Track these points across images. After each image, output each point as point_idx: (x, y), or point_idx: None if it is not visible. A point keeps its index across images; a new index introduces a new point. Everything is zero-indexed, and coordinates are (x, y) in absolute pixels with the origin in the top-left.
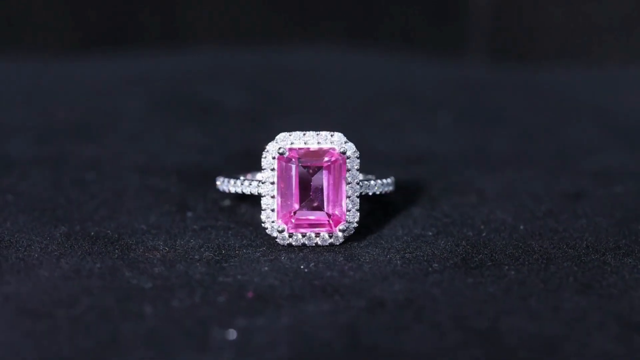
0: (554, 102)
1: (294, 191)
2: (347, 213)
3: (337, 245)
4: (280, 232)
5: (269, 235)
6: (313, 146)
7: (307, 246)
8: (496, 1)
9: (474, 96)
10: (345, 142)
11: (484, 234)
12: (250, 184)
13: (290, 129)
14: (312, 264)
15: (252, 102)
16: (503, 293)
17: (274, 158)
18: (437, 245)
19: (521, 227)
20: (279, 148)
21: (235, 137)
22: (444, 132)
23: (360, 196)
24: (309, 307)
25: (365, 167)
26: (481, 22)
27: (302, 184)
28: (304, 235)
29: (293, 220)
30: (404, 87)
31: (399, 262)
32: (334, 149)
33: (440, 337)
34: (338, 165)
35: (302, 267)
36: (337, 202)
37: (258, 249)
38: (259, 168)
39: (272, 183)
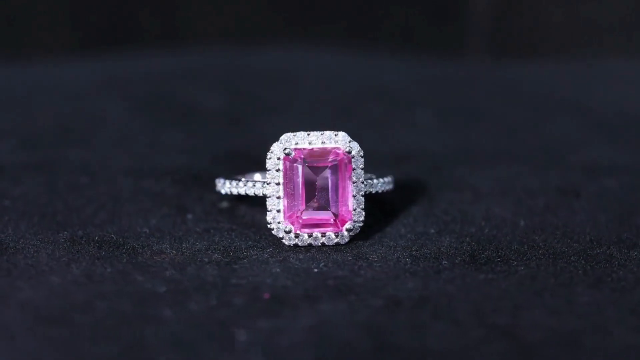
0: (534, 98)
1: (300, 191)
2: (353, 212)
3: (342, 244)
4: (288, 232)
5: (275, 236)
6: (317, 146)
7: (313, 246)
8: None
9: (455, 93)
10: (350, 141)
11: (486, 231)
12: (254, 185)
13: (272, 129)
14: (322, 263)
15: (232, 103)
16: (517, 289)
17: (279, 159)
18: (442, 243)
19: (522, 223)
20: (285, 149)
21: (220, 139)
22: (428, 130)
23: (364, 195)
24: (327, 307)
25: None
26: (466, 18)
27: (307, 184)
28: (310, 236)
29: (300, 221)
30: (383, 85)
31: (407, 260)
32: (338, 148)
33: (463, 334)
34: (344, 165)
35: (312, 267)
36: (343, 201)
37: (265, 250)
38: (250, 169)
39: (278, 184)
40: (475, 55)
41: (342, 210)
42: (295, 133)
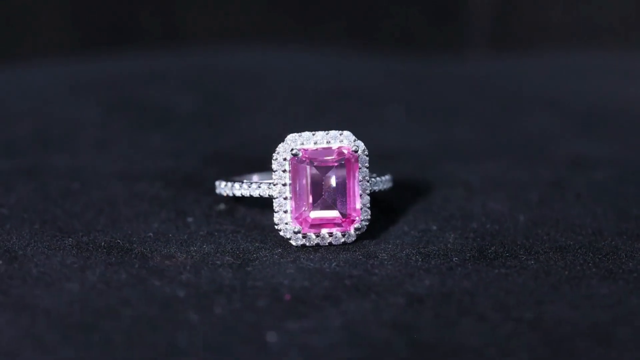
0: (510, 94)
1: (306, 192)
2: (360, 211)
3: (349, 243)
4: (296, 233)
5: (281, 237)
6: (323, 145)
7: (320, 246)
8: None
9: (428, 90)
10: (355, 140)
11: (488, 226)
12: (259, 187)
13: (251, 130)
14: (334, 263)
15: (205, 104)
16: (534, 283)
17: (285, 159)
18: (447, 239)
19: (521, 217)
20: (292, 149)
21: (202, 140)
22: (407, 128)
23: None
24: (351, 307)
25: None
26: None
27: (314, 184)
28: (317, 235)
29: (308, 221)
30: (356, 84)
31: (417, 257)
32: (344, 147)
33: (492, 330)
34: (351, 164)
35: (325, 267)
36: (350, 200)
37: (274, 252)
38: (239, 169)
39: (284, 185)
40: (455, 52)
41: (350, 209)
42: (300, 133)
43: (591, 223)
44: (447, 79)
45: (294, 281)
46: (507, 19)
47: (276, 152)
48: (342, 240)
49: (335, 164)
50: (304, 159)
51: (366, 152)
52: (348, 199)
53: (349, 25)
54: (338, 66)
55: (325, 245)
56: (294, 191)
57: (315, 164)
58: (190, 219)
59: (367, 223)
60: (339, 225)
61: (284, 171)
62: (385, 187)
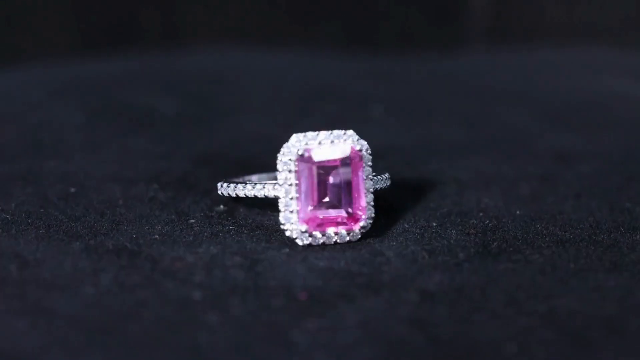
0: (483, 89)
1: (312, 191)
2: (365, 209)
3: (354, 241)
4: (303, 232)
5: (287, 237)
6: (327, 145)
7: (326, 245)
8: None
9: (404, 88)
10: (358, 139)
11: (486, 221)
12: (264, 187)
13: (234, 131)
14: (343, 262)
15: (187, 106)
16: (542, 277)
17: (290, 160)
18: (449, 235)
19: (517, 212)
20: (298, 149)
21: (188, 142)
22: (388, 126)
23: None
24: (366, 304)
25: None
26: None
27: (320, 183)
28: (323, 235)
29: (314, 220)
30: (333, 83)
31: (424, 254)
32: (349, 147)
33: (507, 324)
34: (356, 163)
35: (334, 265)
36: (356, 199)
37: (281, 251)
38: (232, 170)
39: (290, 185)
40: (420, 48)
41: (356, 208)
42: (304, 133)
43: (587, 216)
44: (426, 77)
45: (306, 280)
46: (491, 13)
47: (281, 152)
48: (348, 238)
49: (340, 163)
50: (308, 158)
51: (369, 151)
52: (354, 197)
53: (332, 25)
54: (319, 65)
55: (331, 244)
56: (300, 191)
57: (320, 163)
58: (192, 221)
59: (372, 221)
60: (344, 223)
61: (290, 171)
62: (385, 185)
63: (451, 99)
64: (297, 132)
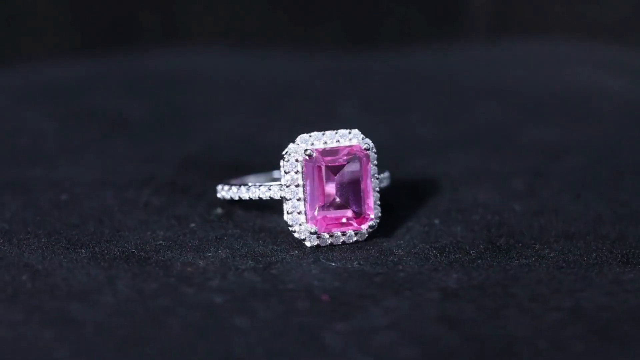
0: (459, 84)
1: (320, 192)
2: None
3: (361, 241)
4: (312, 234)
5: (293, 238)
6: (333, 145)
7: (334, 245)
8: None
9: (375, 85)
10: (364, 138)
11: (488, 217)
12: (270, 189)
13: (210, 133)
14: (355, 262)
15: (156, 109)
16: (559, 272)
17: (297, 161)
18: (455, 233)
19: (516, 207)
20: (306, 150)
21: (165, 146)
22: (364, 123)
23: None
24: (391, 304)
25: None
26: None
27: (327, 183)
28: (331, 235)
29: (323, 221)
30: (304, 81)
31: (435, 252)
32: (355, 146)
33: (536, 320)
34: (364, 162)
35: (348, 266)
36: (365, 198)
37: (290, 253)
38: (218, 173)
39: (298, 186)
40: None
41: (364, 207)
42: (310, 134)
43: (587, 210)
44: (400, 73)
45: (324, 282)
46: (467, 8)
47: (287, 153)
48: (355, 238)
49: (347, 163)
50: (315, 158)
51: (374, 150)
52: (362, 197)
53: (305, 23)
54: (288, 64)
55: (339, 244)
56: (307, 192)
57: (327, 163)
58: (193, 225)
59: (378, 221)
60: (352, 224)
61: (297, 172)
62: (387, 184)
63: (426, 95)
64: (272, 132)
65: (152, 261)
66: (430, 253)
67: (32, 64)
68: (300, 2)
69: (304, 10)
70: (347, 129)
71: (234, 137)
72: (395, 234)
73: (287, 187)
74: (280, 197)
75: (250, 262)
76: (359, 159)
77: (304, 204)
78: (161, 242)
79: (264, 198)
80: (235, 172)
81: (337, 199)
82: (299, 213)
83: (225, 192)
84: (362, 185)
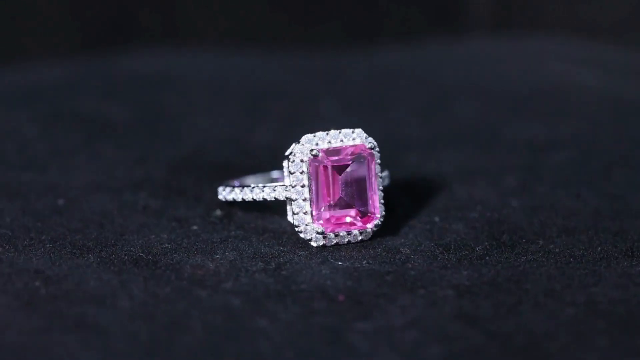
0: (434, 82)
1: (326, 191)
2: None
3: (366, 240)
4: (318, 234)
5: (298, 238)
6: (337, 144)
7: (339, 245)
8: None
9: (357, 84)
10: (367, 137)
11: (487, 214)
12: (275, 190)
13: (196, 134)
14: (364, 261)
15: (137, 111)
16: (567, 266)
17: (302, 161)
18: (457, 230)
19: (513, 203)
20: (312, 150)
21: (154, 148)
22: (346, 123)
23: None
24: (407, 302)
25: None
26: None
27: (333, 183)
28: (336, 235)
29: (330, 221)
30: (285, 81)
31: (440, 249)
32: (359, 145)
33: (554, 315)
34: (369, 161)
35: (357, 265)
36: (370, 197)
37: (297, 254)
38: (210, 176)
39: (303, 186)
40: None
41: (370, 206)
42: (314, 134)
43: (583, 205)
44: (378, 71)
45: (336, 281)
46: (446, 4)
47: (292, 153)
48: (360, 237)
49: (351, 162)
50: (321, 158)
51: (377, 149)
52: (368, 196)
53: (280, 23)
54: (268, 64)
55: (344, 244)
56: (313, 192)
57: (332, 163)
58: (195, 227)
59: (382, 219)
60: (357, 223)
61: (302, 172)
62: (387, 182)
63: (407, 93)
64: (259, 132)
65: (161, 264)
66: (436, 251)
67: (11, 68)
68: (280, 1)
69: (284, 10)
70: (338, 128)
71: (221, 138)
72: (397, 232)
73: (292, 187)
74: (286, 197)
75: (260, 263)
76: (364, 158)
77: (310, 204)
78: (167, 245)
79: (268, 199)
80: (228, 173)
81: (343, 199)
82: (304, 213)
83: (227, 193)
84: (367, 184)
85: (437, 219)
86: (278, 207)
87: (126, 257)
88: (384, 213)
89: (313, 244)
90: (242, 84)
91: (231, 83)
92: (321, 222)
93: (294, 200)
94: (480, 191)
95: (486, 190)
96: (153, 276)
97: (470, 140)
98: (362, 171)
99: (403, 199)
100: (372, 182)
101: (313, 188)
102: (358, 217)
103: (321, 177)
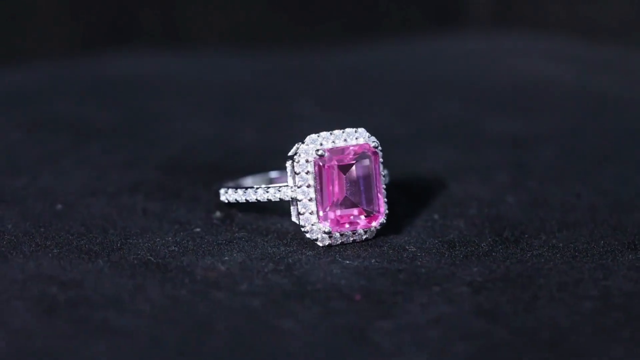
0: (411, 79)
1: (331, 191)
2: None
3: (370, 239)
4: (325, 233)
5: (304, 238)
6: (341, 144)
7: (345, 244)
8: None
9: (336, 82)
10: (369, 136)
11: (485, 210)
12: (280, 190)
13: (182, 136)
14: (373, 260)
15: (119, 114)
16: (576, 261)
17: (307, 161)
18: (458, 227)
19: (509, 199)
20: (317, 150)
21: (142, 151)
22: (325, 120)
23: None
24: (425, 300)
25: (283, 165)
26: None
27: (338, 182)
28: (342, 234)
29: (335, 220)
30: (261, 81)
31: (446, 246)
32: (363, 145)
33: (573, 309)
34: (373, 159)
35: (366, 264)
36: (373, 196)
37: (305, 254)
38: (204, 177)
39: (309, 186)
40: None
41: (375, 205)
42: (318, 134)
43: (578, 200)
44: (356, 70)
45: (350, 280)
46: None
47: (297, 154)
48: (365, 236)
49: (355, 161)
50: (325, 158)
51: (380, 148)
52: (373, 194)
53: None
54: (242, 64)
55: (349, 243)
56: (319, 192)
57: (337, 162)
58: (197, 229)
59: (386, 218)
60: (362, 222)
61: (308, 172)
62: (387, 181)
63: (385, 91)
64: (242, 133)
65: (172, 267)
66: (442, 248)
67: None
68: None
69: (258, 10)
70: (319, 127)
71: (206, 140)
72: (399, 230)
73: (298, 188)
74: (291, 198)
75: (270, 264)
76: (368, 157)
77: (316, 204)
78: (173, 248)
79: (273, 200)
80: (220, 174)
81: (348, 198)
82: (310, 213)
83: (229, 195)
84: (372, 183)
85: (436, 216)
86: (277, 208)
87: (136, 261)
88: (387, 211)
89: (319, 243)
90: (221, 85)
91: (211, 84)
92: (327, 222)
93: (299, 201)
94: (473, 188)
95: (479, 187)
96: (166, 279)
97: (452, 137)
98: (366, 170)
99: (398, 196)
100: (376, 181)
101: (319, 188)
102: (363, 216)
103: (326, 177)
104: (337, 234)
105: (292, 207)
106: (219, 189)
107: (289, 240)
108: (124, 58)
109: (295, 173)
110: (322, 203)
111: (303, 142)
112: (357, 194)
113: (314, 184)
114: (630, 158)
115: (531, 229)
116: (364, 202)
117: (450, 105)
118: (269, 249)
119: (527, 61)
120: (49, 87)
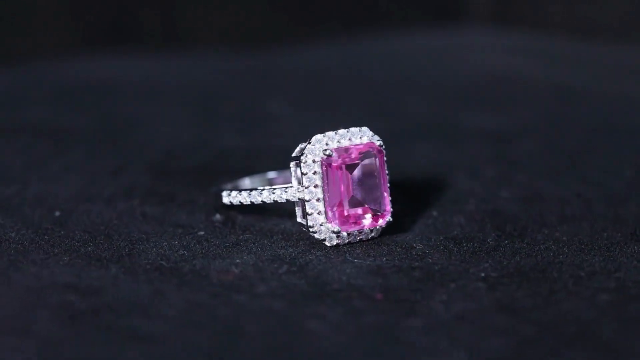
0: (382, 77)
1: (338, 190)
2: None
3: (376, 237)
4: (333, 233)
5: (311, 238)
6: (346, 143)
7: (352, 243)
8: None
9: (304, 81)
10: (373, 136)
11: (483, 206)
12: (286, 191)
13: (164, 139)
14: (384, 258)
15: (96, 120)
16: (584, 254)
17: (314, 161)
18: (459, 223)
19: (504, 195)
20: (324, 150)
21: (128, 155)
22: (298, 121)
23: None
24: (444, 297)
25: (269, 165)
26: None
27: (344, 182)
28: (349, 234)
29: (344, 220)
30: (232, 83)
31: (452, 242)
32: (367, 143)
33: (591, 302)
34: (378, 158)
35: (378, 263)
36: (379, 194)
37: (314, 254)
38: (195, 180)
39: (316, 186)
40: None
41: (381, 204)
42: (324, 134)
43: (572, 193)
44: (325, 69)
45: (366, 280)
46: None
47: (303, 154)
48: (371, 235)
49: (361, 161)
50: (332, 158)
51: (383, 147)
52: (379, 193)
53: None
54: (214, 65)
55: (356, 242)
56: (326, 192)
57: (343, 162)
58: (201, 233)
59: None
60: (369, 220)
61: (315, 173)
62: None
63: (356, 89)
64: (223, 134)
65: (186, 271)
66: (449, 244)
67: None
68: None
69: (227, 10)
70: (292, 126)
71: (188, 143)
72: (403, 227)
73: (305, 188)
74: (298, 198)
75: (284, 265)
76: (374, 156)
77: (324, 204)
78: (182, 252)
79: (280, 201)
80: (210, 177)
81: (355, 197)
82: (318, 213)
83: (232, 197)
84: (378, 182)
85: (435, 213)
86: (276, 209)
87: (148, 266)
88: (391, 210)
89: (327, 243)
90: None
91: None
92: (336, 221)
93: (307, 201)
94: (464, 183)
95: (471, 183)
96: (184, 283)
97: (432, 133)
98: (371, 169)
99: (395, 194)
100: (382, 179)
101: (326, 188)
102: (370, 215)
103: (332, 177)
104: (345, 234)
105: (297, 208)
106: (219, 191)
107: (294, 241)
108: (92, 62)
109: (302, 174)
110: (329, 203)
111: (309, 143)
112: (364, 193)
113: (321, 184)
114: (613, 151)
115: (531, 223)
116: (370, 200)
117: (424, 102)
118: (278, 250)
119: (496, 57)
120: (17, 93)
